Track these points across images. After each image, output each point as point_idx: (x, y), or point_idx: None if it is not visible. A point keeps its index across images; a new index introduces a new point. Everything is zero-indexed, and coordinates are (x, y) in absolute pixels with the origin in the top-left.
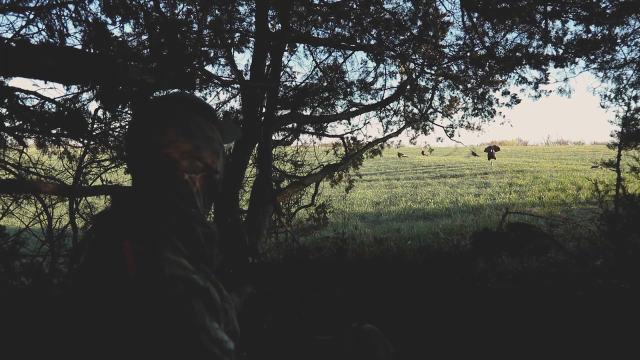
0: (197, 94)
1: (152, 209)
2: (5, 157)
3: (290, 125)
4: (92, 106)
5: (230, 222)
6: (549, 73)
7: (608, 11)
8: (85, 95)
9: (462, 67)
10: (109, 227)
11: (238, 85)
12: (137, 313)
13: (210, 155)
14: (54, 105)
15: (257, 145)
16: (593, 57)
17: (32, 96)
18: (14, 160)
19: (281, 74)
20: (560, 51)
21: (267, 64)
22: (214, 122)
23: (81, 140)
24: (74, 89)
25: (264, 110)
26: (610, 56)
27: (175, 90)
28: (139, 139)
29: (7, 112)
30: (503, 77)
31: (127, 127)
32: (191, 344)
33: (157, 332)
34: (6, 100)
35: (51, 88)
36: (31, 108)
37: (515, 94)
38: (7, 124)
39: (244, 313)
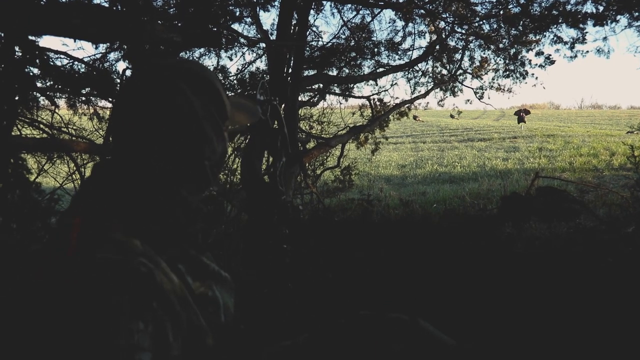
0: (223, 54)
1: (125, 186)
2: (38, 117)
3: (316, 86)
4: (120, 66)
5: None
6: (586, 32)
7: None
8: (112, 55)
9: (495, 26)
10: (75, 200)
11: (264, 45)
12: (56, 303)
13: (196, 138)
14: (83, 66)
15: (283, 106)
16: (637, 14)
17: (62, 56)
18: (46, 121)
19: (307, 33)
20: (601, 8)
21: (293, 23)
22: (212, 98)
23: (110, 100)
24: (102, 48)
25: (290, 70)
26: None
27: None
28: (124, 115)
29: (39, 73)
30: (537, 37)
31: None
32: (96, 349)
33: (65, 327)
34: (38, 61)
35: (80, 48)
36: (61, 68)
37: (550, 55)
38: (39, 84)
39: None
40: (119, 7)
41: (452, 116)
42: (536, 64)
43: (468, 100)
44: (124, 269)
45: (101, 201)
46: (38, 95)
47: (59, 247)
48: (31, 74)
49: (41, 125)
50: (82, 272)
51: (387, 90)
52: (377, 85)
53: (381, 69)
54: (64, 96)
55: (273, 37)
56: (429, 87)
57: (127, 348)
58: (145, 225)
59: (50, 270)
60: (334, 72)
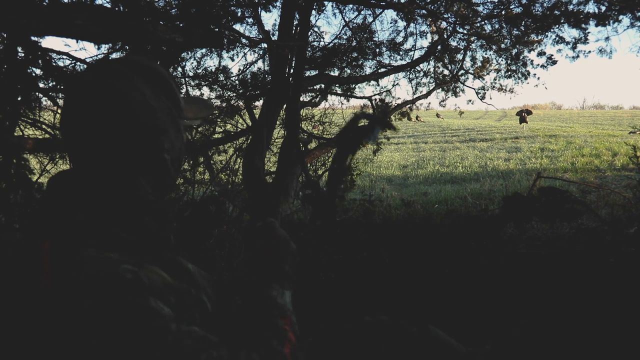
0: (225, 54)
1: (87, 197)
2: (40, 118)
3: (317, 87)
4: None
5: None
6: (589, 32)
7: None
8: (115, 56)
9: (496, 26)
10: (35, 223)
11: (265, 46)
12: (69, 320)
13: (153, 130)
14: (85, 66)
15: (284, 106)
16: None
17: (64, 57)
18: (48, 121)
19: (309, 33)
20: (603, 8)
21: (294, 23)
22: (165, 89)
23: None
24: (104, 49)
25: (291, 71)
26: None
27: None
28: (78, 113)
29: (41, 73)
30: (539, 37)
31: (65, 100)
32: (147, 331)
33: (107, 334)
34: (40, 61)
35: (82, 49)
36: (63, 69)
37: (552, 55)
38: (41, 85)
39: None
40: (121, 7)
41: (438, 115)
42: (538, 64)
43: (470, 101)
44: (118, 274)
45: (67, 219)
46: (40, 95)
47: (33, 273)
48: (33, 74)
49: (43, 126)
50: (80, 289)
51: (388, 90)
52: (378, 85)
53: (383, 70)
54: (69, 96)
55: (275, 38)
56: (431, 88)
57: (164, 325)
58: (117, 237)
59: (38, 301)
60: (336, 73)
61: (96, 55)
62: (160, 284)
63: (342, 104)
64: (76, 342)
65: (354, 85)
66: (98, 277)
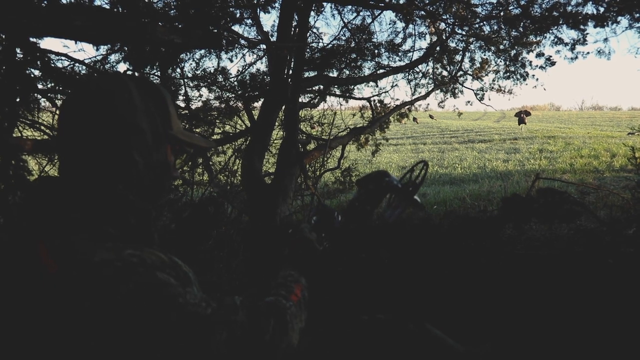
0: (224, 55)
1: (69, 198)
2: (39, 119)
3: (316, 87)
4: (121, 68)
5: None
6: (587, 33)
7: None
8: (113, 57)
9: (495, 27)
10: (21, 227)
11: (264, 47)
12: (88, 304)
13: (130, 125)
14: (83, 67)
15: (283, 107)
16: (638, 15)
17: (63, 58)
18: (47, 122)
19: (308, 34)
20: (602, 9)
21: (293, 24)
22: (156, 101)
23: None
24: (103, 50)
25: (290, 72)
26: None
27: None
28: (68, 120)
29: (40, 74)
30: (538, 38)
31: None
32: (170, 304)
33: (130, 310)
34: (39, 62)
35: (80, 50)
36: (62, 70)
37: (550, 56)
38: (40, 86)
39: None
40: (120, 8)
41: (431, 117)
42: (537, 66)
43: (469, 102)
44: (125, 257)
45: (62, 218)
46: (39, 96)
47: (31, 274)
48: (32, 75)
49: (42, 127)
50: (92, 274)
51: (387, 91)
52: (377, 86)
53: (381, 71)
54: (65, 98)
55: (273, 39)
56: (430, 89)
57: (174, 291)
58: (106, 232)
59: (48, 292)
60: (335, 74)
61: (95, 57)
62: (159, 263)
63: (341, 105)
64: (94, 319)
65: (352, 86)
66: (107, 262)
